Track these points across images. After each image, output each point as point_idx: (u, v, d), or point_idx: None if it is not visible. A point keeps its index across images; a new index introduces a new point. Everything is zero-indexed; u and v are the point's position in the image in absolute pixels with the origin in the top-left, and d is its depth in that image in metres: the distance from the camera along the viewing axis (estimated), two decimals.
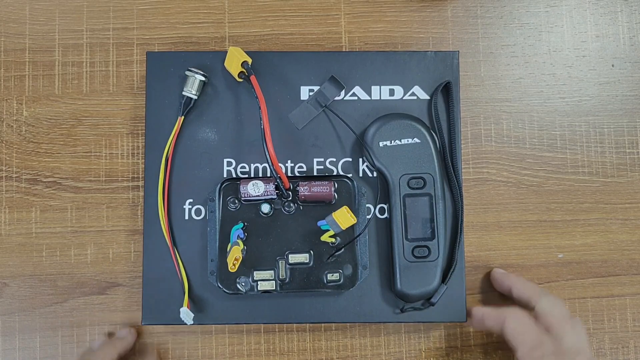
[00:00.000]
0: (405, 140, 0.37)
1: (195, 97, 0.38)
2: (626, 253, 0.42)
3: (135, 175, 0.41)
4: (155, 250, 0.38)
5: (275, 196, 0.37)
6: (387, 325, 0.40)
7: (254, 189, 0.36)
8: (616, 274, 0.42)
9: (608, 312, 0.41)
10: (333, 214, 0.35)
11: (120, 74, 0.41)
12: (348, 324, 0.40)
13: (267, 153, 0.35)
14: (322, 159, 0.39)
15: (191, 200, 0.38)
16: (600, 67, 0.43)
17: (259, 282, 0.36)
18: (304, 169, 0.38)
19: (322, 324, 0.40)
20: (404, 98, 0.39)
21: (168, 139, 0.38)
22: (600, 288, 0.42)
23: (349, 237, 0.37)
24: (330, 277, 0.37)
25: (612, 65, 0.43)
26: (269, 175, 0.38)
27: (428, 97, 0.39)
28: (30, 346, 0.40)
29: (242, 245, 0.36)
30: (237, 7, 0.42)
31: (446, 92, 0.39)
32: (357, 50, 0.42)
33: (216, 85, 0.39)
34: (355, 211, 0.36)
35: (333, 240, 0.37)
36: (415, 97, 0.39)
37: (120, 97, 0.41)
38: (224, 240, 0.37)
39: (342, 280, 0.37)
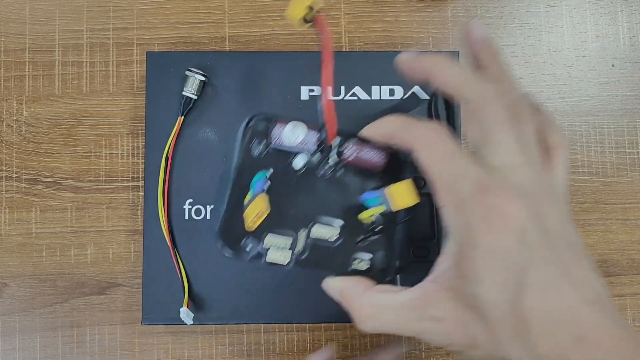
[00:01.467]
0: None
1: (195, 97, 0.38)
2: (626, 253, 0.42)
3: (135, 175, 0.41)
4: (155, 250, 0.38)
5: (313, 150, 0.29)
6: None
7: (292, 135, 0.28)
8: (616, 274, 0.42)
9: None
10: (392, 186, 0.27)
11: (120, 74, 0.41)
12: (348, 324, 0.40)
13: (321, 94, 0.27)
14: None
15: (191, 200, 0.38)
16: (600, 67, 0.43)
17: (269, 251, 0.29)
18: None
19: (322, 324, 0.40)
20: (404, 98, 0.39)
21: (168, 139, 0.38)
22: None
23: (390, 221, 0.29)
24: (356, 264, 0.29)
25: (612, 65, 0.43)
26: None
27: (428, 97, 0.39)
28: (30, 346, 0.40)
29: (267, 201, 0.28)
30: (237, 7, 0.42)
31: None
32: (357, 50, 0.42)
33: (216, 85, 0.39)
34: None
35: (372, 220, 0.29)
36: (415, 97, 0.39)
37: (120, 97, 0.41)
38: (238, 190, 0.29)
39: (370, 271, 0.29)
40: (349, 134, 0.29)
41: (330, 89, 0.27)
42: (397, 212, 0.29)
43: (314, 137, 0.29)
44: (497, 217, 0.23)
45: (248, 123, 0.29)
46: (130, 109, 0.41)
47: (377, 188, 0.29)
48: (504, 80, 0.28)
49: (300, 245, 0.29)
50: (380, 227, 0.29)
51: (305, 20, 0.29)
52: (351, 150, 0.29)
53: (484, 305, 0.24)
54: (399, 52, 0.40)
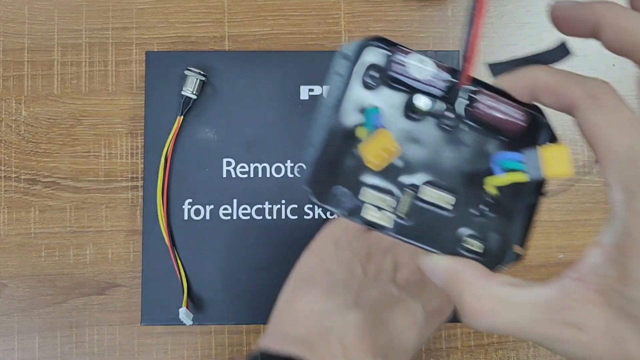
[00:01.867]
0: None
1: (195, 97, 0.38)
2: None
3: (135, 175, 0.40)
4: (154, 251, 0.38)
5: (440, 93, 0.23)
6: None
7: (419, 69, 0.22)
8: None
9: None
10: (547, 148, 0.22)
11: (119, 73, 0.41)
12: None
13: (471, 20, 0.20)
14: None
15: (190, 200, 0.38)
16: (600, 66, 0.43)
17: (367, 208, 0.23)
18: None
19: None
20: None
21: (167, 138, 0.38)
22: None
23: (519, 196, 0.24)
24: (468, 243, 0.23)
25: (613, 65, 0.43)
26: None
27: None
28: (29, 347, 0.39)
29: (394, 139, 0.22)
30: (236, 7, 0.42)
31: None
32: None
33: (215, 85, 0.39)
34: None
35: (496, 192, 0.23)
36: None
37: (119, 96, 0.41)
38: (339, 125, 0.23)
39: (483, 254, 0.23)
40: (485, 84, 0.23)
41: (480, 27, 0.20)
42: (530, 186, 0.23)
43: (445, 75, 0.23)
44: None
45: (361, 49, 0.23)
46: (129, 108, 0.41)
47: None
48: None
49: (405, 208, 0.23)
50: (503, 203, 0.24)
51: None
52: (485, 101, 0.23)
53: None
54: None
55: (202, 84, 0.39)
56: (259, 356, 0.28)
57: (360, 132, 0.23)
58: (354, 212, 0.23)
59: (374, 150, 0.21)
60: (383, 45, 0.23)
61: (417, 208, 0.23)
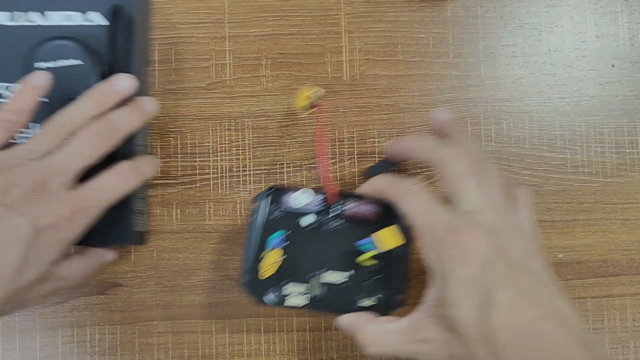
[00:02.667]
0: (63, 61, 0.35)
1: None
2: (626, 253, 0.42)
3: None
4: None
5: (320, 210, 0.35)
6: None
7: (300, 200, 0.35)
8: (616, 274, 0.42)
9: (608, 312, 0.41)
10: (380, 231, 0.34)
11: None
12: None
13: (318, 164, 0.34)
14: None
15: None
16: (600, 67, 0.43)
17: (289, 296, 0.35)
18: None
19: (322, 324, 0.40)
20: (83, 24, 0.37)
21: None
22: (600, 288, 0.42)
23: (389, 261, 0.35)
24: (363, 302, 0.35)
25: (612, 66, 0.43)
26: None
27: (107, 24, 0.37)
28: (30, 346, 0.40)
29: (279, 255, 0.35)
30: (237, 7, 0.42)
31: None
32: (358, 51, 0.42)
33: None
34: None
35: (374, 262, 0.35)
36: (92, 23, 0.37)
37: None
38: (262, 248, 0.35)
39: (377, 306, 0.35)
40: (346, 194, 0.36)
41: (327, 164, 0.35)
42: (393, 253, 0.34)
43: (319, 199, 0.35)
44: (464, 251, 0.29)
45: (267, 193, 0.35)
46: None
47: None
48: (467, 145, 0.34)
49: (315, 290, 0.35)
50: (381, 268, 0.35)
51: (308, 108, 0.37)
52: (350, 206, 0.35)
53: (460, 325, 0.28)
54: None
55: None
56: None
57: (262, 254, 0.34)
58: (282, 301, 0.34)
59: (264, 267, 0.34)
60: (279, 190, 0.35)
61: (323, 287, 0.35)
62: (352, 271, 0.35)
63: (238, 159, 0.41)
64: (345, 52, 0.42)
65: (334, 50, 0.42)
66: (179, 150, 0.41)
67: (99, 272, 0.40)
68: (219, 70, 0.42)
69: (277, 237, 0.35)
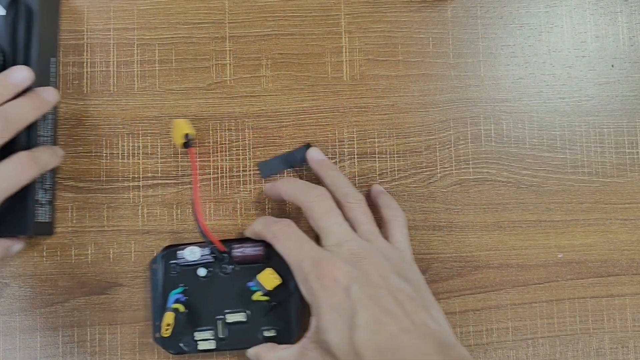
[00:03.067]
0: None
1: None
2: (626, 253, 0.42)
3: (136, 176, 0.41)
4: None
5: (212, 260, 0.38)
6: None
7: (191, 255, 0.38)
8: (616, 274, 0.42)
9: (608, 312, 0.42)
10: (257, 275, 0.37)
11: (120, 74, 0.41)
12: None
13: (198, 224, 0.37)
14: None
15: None
16: (600, 67, 0.43)
17: (199, 342, 0.38)
18: None
19: None
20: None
21: None
22: (600, 288, 0.42)
23: (282, 294, 0.38)
24: (266, 333, 0.38)
25: (612, 66, 0.43)
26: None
27: (4, 14, 0.37)
28: (30, 346, 0.40)
29: (182, 308, 0.37)
30: (237, 8, 0.42)
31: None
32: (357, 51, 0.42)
33: None
34: (286, 270, 0.36)
35: (267, 298, 0.38)
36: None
37: (120, 97, 0.41)
38: (165, 305, 0.38)
39: (278, 336, 0.38)
40: (232, 239, 0.39)
41: (201, 216, 0.37)
42: (279, 289, 0.38)
43: (207, 251, 0.38)
44: (328, 282, 0.32)
45: (162, 253, 0.39)
46: (130, 109, 0.41)
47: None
48: (335, 182, 0.38)
49: (220, 332, 0.38)
50: (276, 301, 0.38)
51: (185, 145, 0.39)
52: (237, 251, 0.38)
53: (332, 347, 0.32)
54: None
55: None
56: None
57: (168, 315, 0.37)
58: (195, 348, 0.38)
59: (162, 328, 0.36)
60: (172, 248, 0.39)
61: (228, 328, 0.38)
62: (250, 310, 0.38)
63: (238, 159, 0.41)
64: (345, 52, 0.42)
65: (334, 50, 0.42)
66: (179, 150, 0.41)
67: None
68: (219, 71, 0.42)
69: (177, 293, 0.38)
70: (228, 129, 0.41)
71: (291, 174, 0.41)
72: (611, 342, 0.41)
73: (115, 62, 0.41)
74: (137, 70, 0.41)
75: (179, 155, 0.41)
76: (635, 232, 0.42)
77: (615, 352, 0.41)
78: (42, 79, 0.37)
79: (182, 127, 0.39)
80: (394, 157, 0.42)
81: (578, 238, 0.42)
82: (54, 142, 0.40)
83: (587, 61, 0.43)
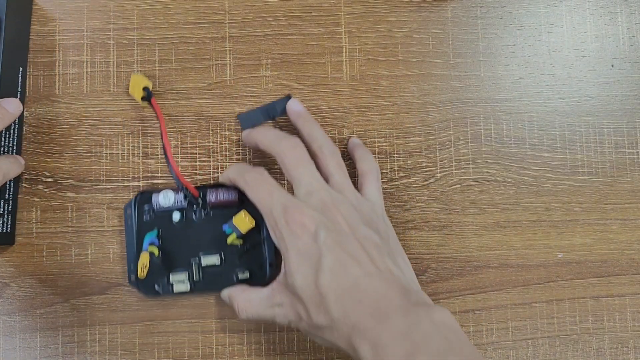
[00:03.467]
0: None
1: None
2: (626, 253, 0.42)
3: (136, 176, 0.41)
4: None
5: (186, 204, 0.39)
6: None
7: (165, 199, 0.38)
8: (616, 274, 0.42)
9: (608, 312, 0.42)
10: (233, 218, 0.38)
11: (120, 74, 0.41)
12: None
13: (171, 169, 0.37)
14: None
15: None
16: (599, 67, 0.43)
17: (174, 284, 0.38)
18: None
19: None
20: None
21: None
22: (600, 288, 0.42)
23: (256, 237, 0.39)
24: (240, 275, 0.39)
25: (612, 66, 0.43)
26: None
27: None
28: (30, 346, 0.40)
29: (157, 252, 0.38)
30: (237, 8, 0.42)
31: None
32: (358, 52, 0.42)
33: None
34: (258, 214, 0.37)
35: (241, 242, 0.39)
36: None
37: (120, 97, 0.41)
38: (140, 248, 0.38)
39: (252, 278, 0.39)
40: (206, 185, 0.40)
41: (173, 161, 0.37)
42: (253, 233, 0.39)
43: (181, 196, 0.39)
44: (296, 227, 0.33)
45: (136, 198, 0.39)
46: (130, 109, 0.41)
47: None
48: (311, 135, 0.38)
49: (195, 275, 0.39)
50: (249, 245, 0.39)
51: (143, 99, 0.39)
52: (211, 196, 0.39)
53: (298, 290, 0.33)
54: None
55: None
56: None
57: (144, 256, 0.37)
58: (170, 291, 0.38)
59: (139, 269, 0.36)
60: (146, 193, 0.39)
61: (202, 271, 0.39)
62: (224, 253, 0.39)
63: (238, 159, 0.41)
64: (345, 52, 0.42)
65: (334, 50, 0.42)
66: (179, 151, 0.41)
67: (102, 273, 0.40)
68: (219, 71, 0.42)
69: (151, 236, 0.38)
70: (228, 129, 0.41)
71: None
72: (611, 342, 0.41)
73: (115, 62, 0.41)
74: (137, 71, 0.41)
75: (179, 155, 0.41)
76: (635, 232, 0.42)
77: (615, 352, 0.41)
78: (10, 90, 0.37)
79: (140, 82, 0.39)
80: (394, 157, 0.42)
81: (578, 238, 0.42)
82: (19, 152, 0.40)
83: (587, 61, 0.43)
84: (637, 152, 0.43)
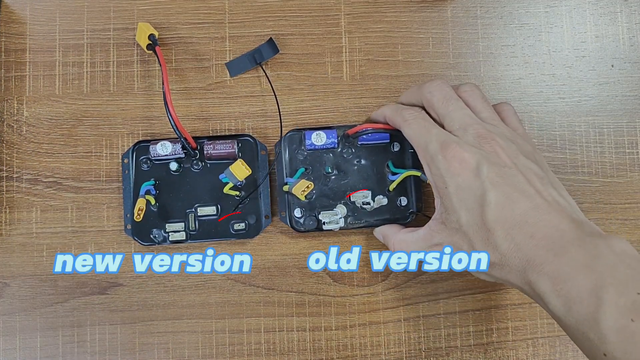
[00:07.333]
0: None
1: None
2: None
3: None
4: None
5: (183, 155, 0.39)
6: (387, 326, 0.40)
7: (162, 149, 0.39)
8: None
9: None
10: (230, 166, 0.38)
11: (120, 74, 0.41)
12: (348, 324, 0.40)
13: (170, 117, 0.37)
14: None
15: None
16: (599, 67, 0.43)
17: (170, 234, 0.39)
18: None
19: (322, 324, 0.40)
20: None
21: None
22: None
23: (252, 189, 0.40)
24: (236, 226, 0.40)
25: (612, 66, 0.43)
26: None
27: None
28: (30, 346, 0.40)
29: (153, 201, 0.39)
30: (237, 8, 0.42)
31: None
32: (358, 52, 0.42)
33: None
34: (256, 166, 0.40)
35: (237, 193, 0.39)
36: None
37: (120, 97, 0.41)
38: (136, 198, 0.39)
39: (247, 229, 0.40)
40: (204, 137, 0.40)
41: (172, 109, 0.37)
42: (253, 184, 0.40)
43: (179, 147, 0.39)
44: (456, 163, 0.33)
45: (134, 148, 0.39)
46: (130, 109, 0.41)
47: None
48: (431, 92, 0.37)
49: (191, 224, 0.39)
50: (244, 196, 0.40)
51: (148, 48, 0.40)
52: (209, 147, 0.39)
53: (463, 226, 0.33)
54: None
55: None
56: None
57: (140, 201, 0.38)
58: (166, 239, 0.39)
59: (135, 212, 0.37)
60: (143, 143, 0.40)
61: (199, 221, 0.39)
62: (220, 204, 0.40)
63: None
64: (345, 52, 0.42)
65: (334, 50, 0.42)
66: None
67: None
68: (219, 71, 0.42)
69: (148, 185, 0.39)
70: (228, 129, 0.41)
71: (258, 69, 0.41)
72: None
73: (115, 62, 0.41)
74: (137, 70, 0.41)
75: None
76: (635, 232, 0.42)
77: None
78: None
79: (146, 29, 0.40)
80: None
81: None
82: None
83: (587, 61, 0.43)
84: (637, 152, 0.43)
